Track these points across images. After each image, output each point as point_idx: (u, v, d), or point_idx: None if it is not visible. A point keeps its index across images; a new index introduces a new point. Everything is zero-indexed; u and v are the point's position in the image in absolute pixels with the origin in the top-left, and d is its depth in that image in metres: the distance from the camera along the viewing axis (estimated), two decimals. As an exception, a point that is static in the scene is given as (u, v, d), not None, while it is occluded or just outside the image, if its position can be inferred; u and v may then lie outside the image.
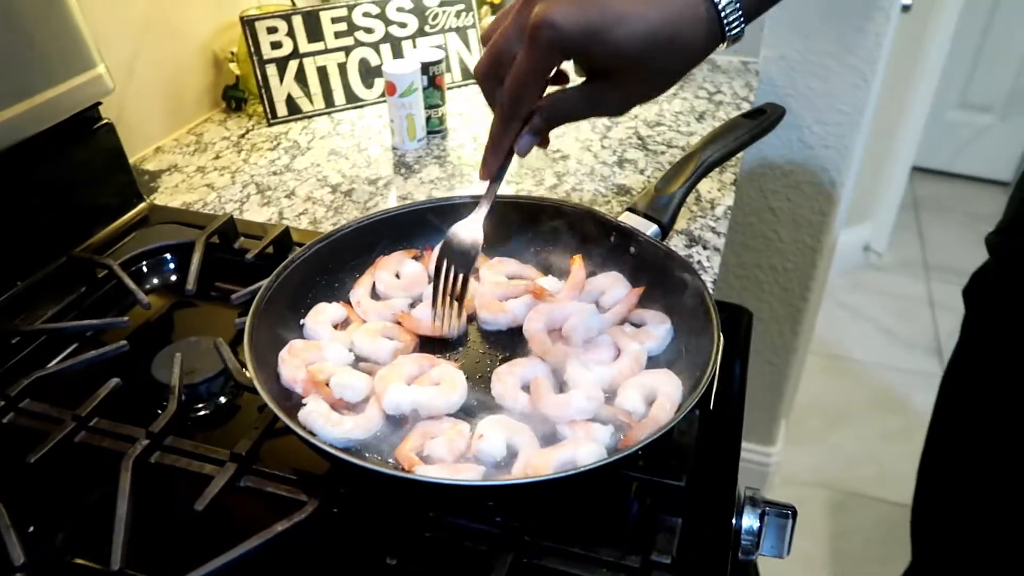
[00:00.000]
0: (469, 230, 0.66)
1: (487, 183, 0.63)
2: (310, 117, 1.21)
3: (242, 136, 1.16)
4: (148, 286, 0.85)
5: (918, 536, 1.19)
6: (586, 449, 0.56)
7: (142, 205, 0.96)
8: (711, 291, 0.67)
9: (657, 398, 0.60)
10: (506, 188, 1.02)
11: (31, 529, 0.57)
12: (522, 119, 0.57)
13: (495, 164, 0.61)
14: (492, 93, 0.58)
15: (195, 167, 1.08)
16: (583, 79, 0.56)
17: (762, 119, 0.85)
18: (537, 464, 0.56)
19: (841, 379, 2.32)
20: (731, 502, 0.60)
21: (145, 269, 0.86)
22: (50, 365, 0.72)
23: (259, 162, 1.09)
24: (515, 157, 0.61)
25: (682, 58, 0.52)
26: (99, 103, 0.89)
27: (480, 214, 0.65)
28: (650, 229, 0.74)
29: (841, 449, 2.09)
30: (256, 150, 1.12)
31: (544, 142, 0.61)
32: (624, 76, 0.53)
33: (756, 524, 0.60)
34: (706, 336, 0.63)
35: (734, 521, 0.59)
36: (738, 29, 0.52)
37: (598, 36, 0.50)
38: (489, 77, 0.57)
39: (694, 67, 0.54)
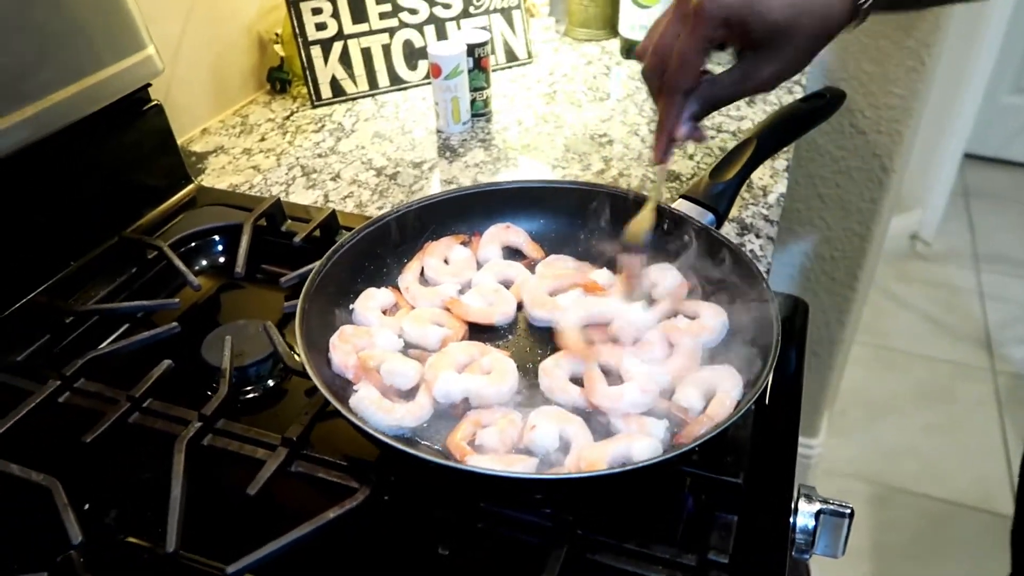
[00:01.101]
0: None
1: (658, 166, 0.69)
2: (354, 99, 1.20)
3: (287, 118, 1.16)
4: (196, 268, 0.85)
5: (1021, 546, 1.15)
6: (641, 444, 0.55)
7: (190, 187, 0.96)
8: (768, 282, 0.65)
9: (716, 394, 0.58)
10: (552, 173, 1.00)
11: (86, 507, 0.57)
12: (683, 93, 0.62)
13: (662, 146, 0.65)
14: (656, 88, 0.63)
15: (241, 149, 1.08)
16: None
17: (821, 103, 0.82)
18: (590, 457, 0.55)
19: (885, 370, 2.27)
20: (788, 500, 0.58)
21: (194, 251, 0.86)
22: (103, 345, 0.73)
23: (304, 144, 1.09)
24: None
25: (822, 27, 0.57)
26: (149, 84, 0.90)
27: (651, 206, 0.70)
28: (705, 217, 0.72)
29: (883, 442, 2.05)
30: (301, 132, 1.12)
31: (700, 136, 0.65)
32: (775, 46, 0.58)
33: (812, 523, 0.58)
34: (761, 327, 0.61)
35: (790, 520, 0.57)
36: (868, 3, 0.57)
37: (754, 5, 0.56)
38: (654, 72, 0.63)
39: (829, 40, 0.59)
